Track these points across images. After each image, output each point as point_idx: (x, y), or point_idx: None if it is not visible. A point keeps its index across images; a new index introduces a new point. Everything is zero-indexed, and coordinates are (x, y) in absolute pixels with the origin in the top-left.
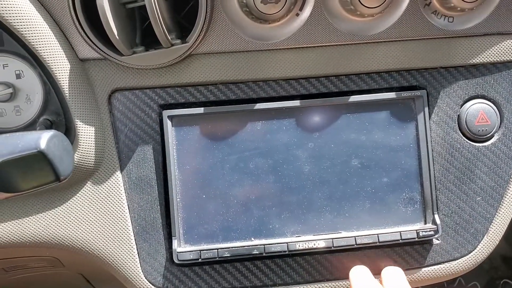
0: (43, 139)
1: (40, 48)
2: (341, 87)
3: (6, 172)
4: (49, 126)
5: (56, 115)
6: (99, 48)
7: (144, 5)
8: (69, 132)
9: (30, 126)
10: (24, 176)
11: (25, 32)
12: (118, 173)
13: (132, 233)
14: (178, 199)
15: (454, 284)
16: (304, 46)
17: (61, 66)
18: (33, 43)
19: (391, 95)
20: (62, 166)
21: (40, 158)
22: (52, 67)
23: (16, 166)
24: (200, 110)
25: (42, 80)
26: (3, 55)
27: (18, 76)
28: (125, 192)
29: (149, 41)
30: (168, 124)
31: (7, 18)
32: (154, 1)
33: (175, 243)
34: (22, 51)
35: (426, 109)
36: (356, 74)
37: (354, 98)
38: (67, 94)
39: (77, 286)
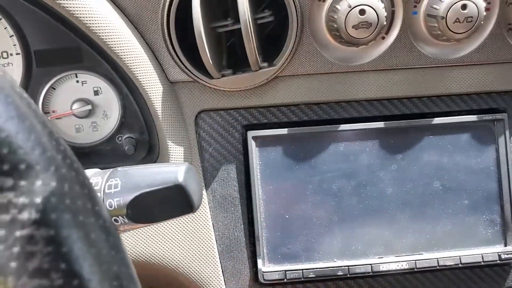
0: (180, 172)
1: (135, 70)
2: (423, 109)
3: (144, 204)
4: (134, 143)
5: (140, 133)
6: (190, 71)
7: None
8: (153, 150)
9: (106, 142)
10: (160, 207)
11: (123, 55)
12: (204, 191)
13: (217, 252)
14: (262, 219)
15: None
16: (387, 68)
17: (154, 88)
18: (129, 65)
19: (473, 117)
20: (196, 197)
21: (178, 191)
22: (146, 89)
23: (153, 198)
24: (284, 131)
25: (121, 97)
26: (83, 72)
27: (96, 93)
28: (210, 211)
29: (233, 63)
30: (252, 144)
31: (105, 40)
32: (250, 27)
33: (260, 262)
34: (105, 68)
35: (507, 131)
36: (438, 96)
37: (436, 121)
38: (159, 116)
39: None
